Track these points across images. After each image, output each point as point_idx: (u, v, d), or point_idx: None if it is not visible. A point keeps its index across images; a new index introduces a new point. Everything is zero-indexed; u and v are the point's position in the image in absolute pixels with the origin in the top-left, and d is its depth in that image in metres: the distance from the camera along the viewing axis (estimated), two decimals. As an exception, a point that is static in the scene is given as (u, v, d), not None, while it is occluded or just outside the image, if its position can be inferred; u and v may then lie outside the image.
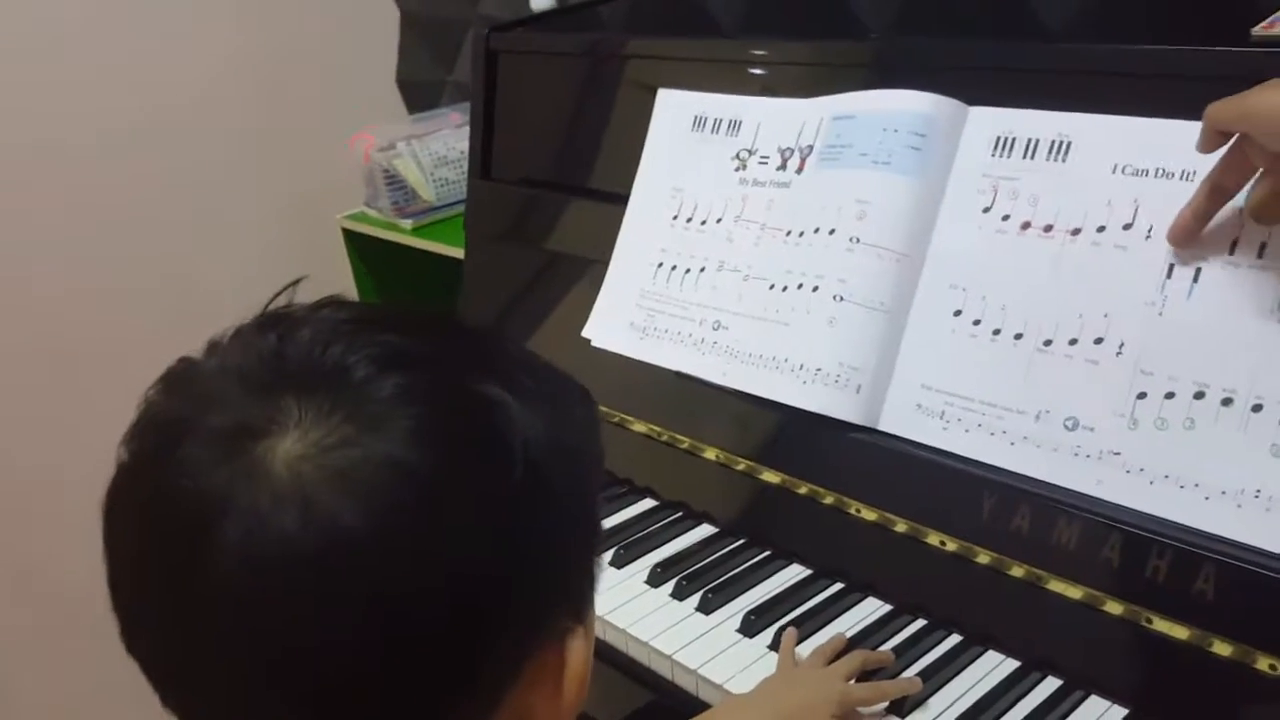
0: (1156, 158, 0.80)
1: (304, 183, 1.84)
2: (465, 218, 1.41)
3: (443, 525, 0.40)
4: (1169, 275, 0.78)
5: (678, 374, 1.07)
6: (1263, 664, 0.73)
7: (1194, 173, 0.77)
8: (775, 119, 1.03)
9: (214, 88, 1.75)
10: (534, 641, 0.44)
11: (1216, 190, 0.73)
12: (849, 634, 0.89)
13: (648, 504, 1.11)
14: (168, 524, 0.40)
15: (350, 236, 1.73)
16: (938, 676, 0.84)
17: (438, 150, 1.66)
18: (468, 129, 1.42)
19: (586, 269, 1.21)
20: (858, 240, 0.93)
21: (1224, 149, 0.71)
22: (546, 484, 0.43)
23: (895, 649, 0.87)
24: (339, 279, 1.76)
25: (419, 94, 1.94)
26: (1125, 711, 0.79)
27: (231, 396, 0.41)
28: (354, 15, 1.87)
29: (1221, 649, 0.75)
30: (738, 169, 1.05)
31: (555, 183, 1.29)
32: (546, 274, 1.28)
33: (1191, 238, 0.76)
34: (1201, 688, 0.76)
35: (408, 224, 1.65)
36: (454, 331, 0.49)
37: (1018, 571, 0.85)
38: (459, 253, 1.44)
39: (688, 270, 1.07)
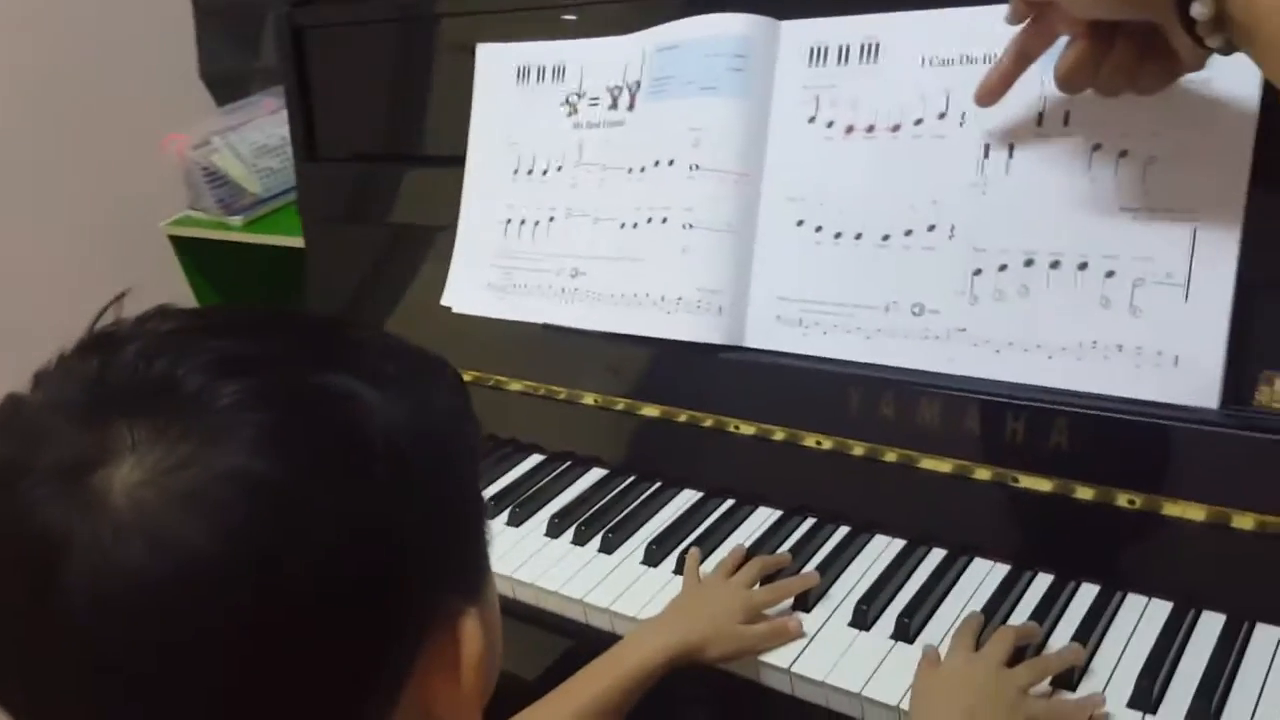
0: (960, 46, 0.84)
1: (119, 194, 1.74)
2: (298, 204, 1.37)
3: (303, 533, 0.38)
4: (986, 155, 0.83)
5: (544, 327, 1.07)
6: (1122, 500, 0.79)
7: (995, 55, 0.81)
8: (599, 59, 1.04)
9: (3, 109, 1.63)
10: (423, 632, 0.43)
11: (1021, 55, 0.76)
12: (746, 544, 0.93)
13: (535, 459, 1.12)
14: (8, 572, 0.38)
15: (178, 243, 1.66)
16: (834, 567, 0.89)
17: (256, 140, 1.60)
18: (284, 114, 1.37)
19: (433, 237, 1.20)
20: (697, 167, 0.95)
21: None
22: (415, 472, 0.42)
23: (791, 550, 0.91)
24: (173, 289, 1.68)
25: (226, 85, 1.85)
26: (1007, 567, 0.85)
27: (60, 431, 0.39)
28: (144, 13, 1.77)
29: (1084, 493, 0.81)
30: (570, 114, 1.06)
31: (387, 154, 1.26)
32: (393, 249, 1.26)
33: (997, 98, 0.79)
34: (1071, 532, 0.83)
35: (237, 220, 1.59)
36: (296, 327, 0.46)
37: (891, 456, 0.90)
38: (298, 242, 1.40)
39: (537, 222, 1.08)
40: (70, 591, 0.37)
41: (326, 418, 0.40)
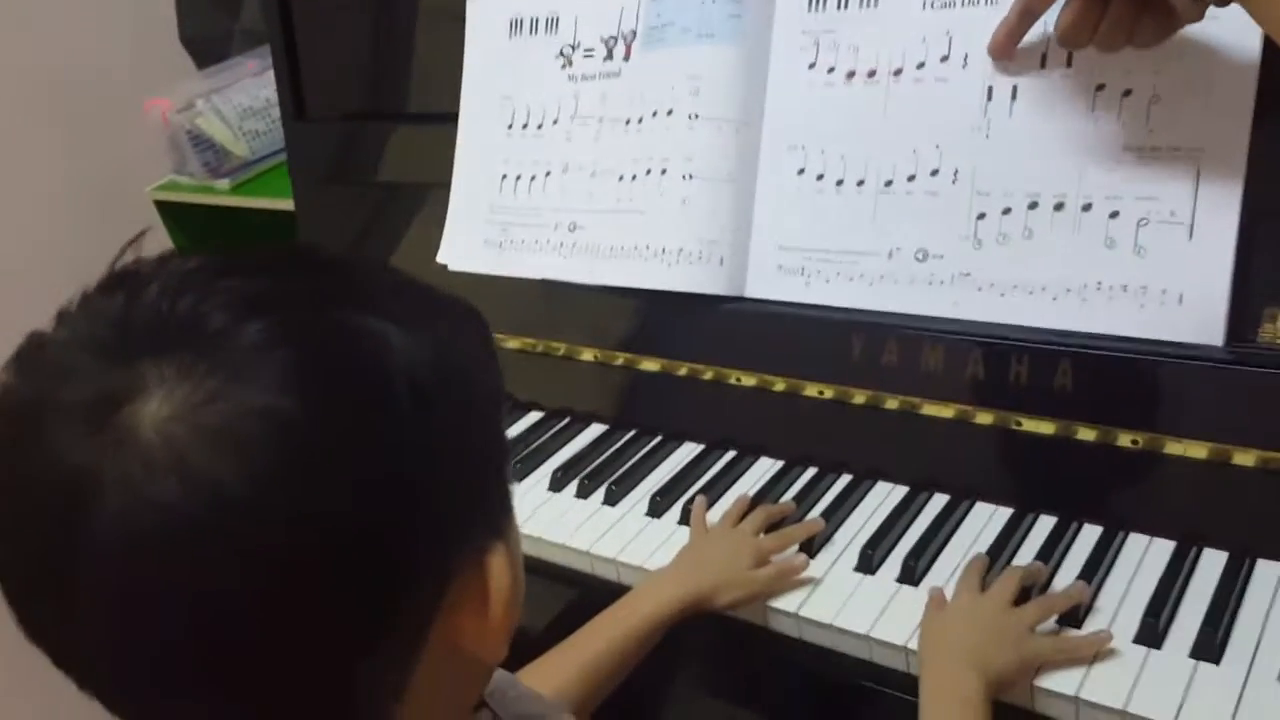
0: (961, -12, 0.84)
1: (104, 161, 1.72)
2: (288, 165, 1.36)
3: (331, 470, 0.38)
4: (989, 98, 0.83)
5: (542, 282, 1.07)
6: (1125, 440, 0.80)
7: (998, -2, 0.82)
8: (592, 9, 1.03)
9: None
10: (452, 567, 0.43)
11: (1027, 13, 0.77)
12: (749, 494, 0.93)
13: (534, 416, 1.12)
14: (40, 511, 0.38)
15: (165, 208, 1.64)
16: (838, 514, 0.89)
17: (241, 102, 1.57)
18: (269, 75, 1.35)
19: (427, 195, 1.19)
20: (696, 116, 0.95)
21: None
22: (438, 411, 0.41)
23: (794, 499, 0.92)
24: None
25: (207, 48, 1.82)
26: (1010, 511, 0.86)
27: (85, 367, 0.38)
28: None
29: (1086, 434, 0.82)
30: (564, 66, 1.05)
31: (377, 112, 1.25)
32: (386, 207, 1.25)
33: (1007, 54, 0.80)
34: (1073, 474, 0.83)
35: (224, 184, 1.57)
36: (319, 264, 0.46)
37: (893, 404, 0.90)
38: (288, 204, 1.38)
39: (533, 177, 1.07)
40: (102, 528, 0.37)
41: (350, 355, 0.40)
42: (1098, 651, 0.71)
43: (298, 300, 0.41)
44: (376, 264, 0.48)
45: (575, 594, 0.94)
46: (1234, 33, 0.73)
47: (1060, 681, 0.70)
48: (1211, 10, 0.72)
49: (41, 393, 0.38)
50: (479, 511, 0.45)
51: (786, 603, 0.82)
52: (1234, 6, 0.65)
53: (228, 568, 0.37)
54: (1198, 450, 0.77)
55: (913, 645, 0.76)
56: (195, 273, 0.41)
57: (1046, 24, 0.80)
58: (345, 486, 0.38)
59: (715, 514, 0.91)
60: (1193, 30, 0.74)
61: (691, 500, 0.93)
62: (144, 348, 0.38)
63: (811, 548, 0.86)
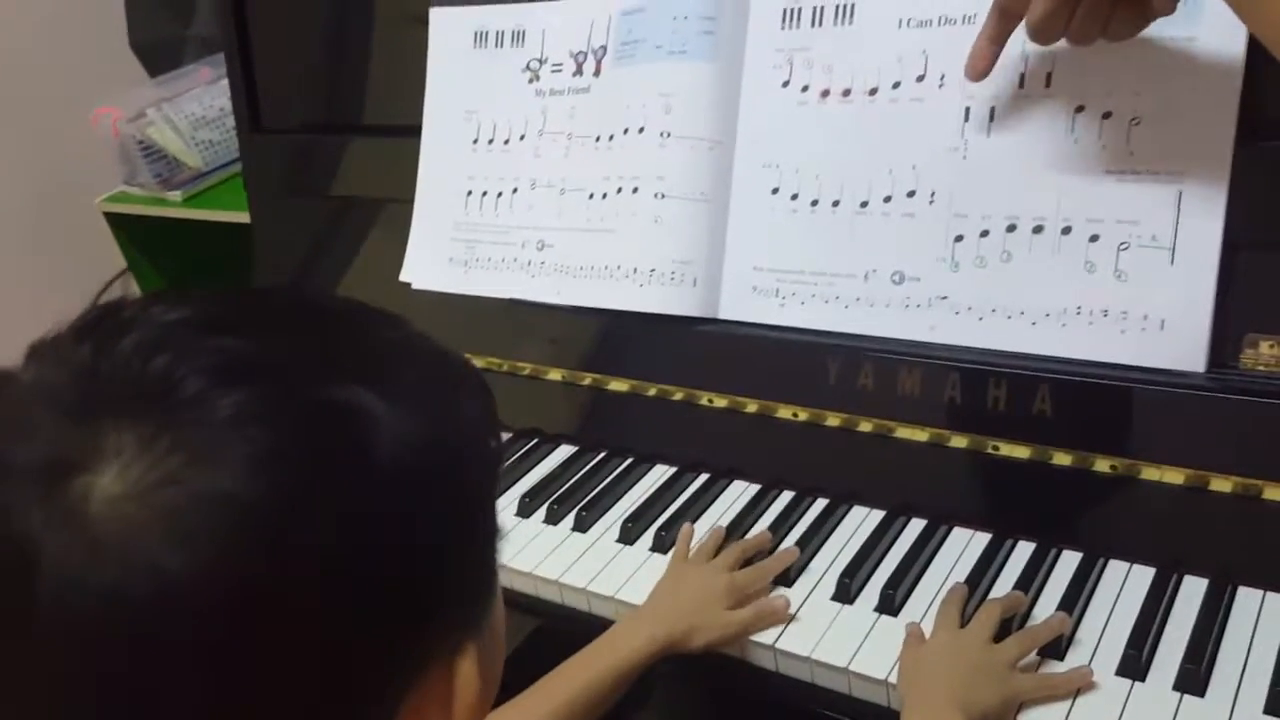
0: (939, 6, 0.82)
1: (51, 171, 1.67)
2: (244, 178, 1.32)
3: (292, 566, 0.35)
4: (966, 119, 0.81)
5: (508, 302, 1.04)
6: (1103, 465, 0.79)
7: (974, 16, 0.80)
8: (561, 23, 1.00)
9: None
10: (417, 669, 0.40)
11: (1005, 14, 0.74)
12: (724, 519, 0.91)
13: (502, 437, 1.09)
14: None
15: (115, 220, 1.59)
16: (814, 540, 0.87)
17: (193, 111, 1.53)
18: (223, 84, 1.31)
19: (388, 210, 1.16)
20: (668, 134, 0.93)
21: None
22: (423, 496, 0.39)
23: (769, 524, 0.90)
24: (111, 268, 1.62)
25: (158, 55, 1.77)
26: (988, 536, 0.85)
27: (44, 423, 0.35)
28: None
29: (1063, 459, 0.81)
30: (531, 80, 1.02)
31: (336, 124, 1.21)
32: (346, 222, 1.21)
33: (989, 63, 0.77)
34: (1051, 499, 0.82)
35: (176, 196, 1.53)
36: (317, 323, 0.42)
37: (866, 426, 0.89)
38: (242, 217, 1.34)
39: (499, 194, 1.04)
40: (40, 606, 0.34)
41: (330, 436, 0.37)
42: (1081, 686, 0.70)
43: (282, 370, 0.38)
44: (380, 319, 0.44)
45: (543, 624, 0.92)
46: (1216, 54, 0.73)
47: (1044, 718, 0.69)
48: (1190, 31, 0.72)
49: None
50: (456, 607, 0.42)
51: (763, 635, 0.80)
52: (1213, 10, 0.64)
53: (173, 657, 0.35)
54: (1175, 476, 0.76)
55: (893, 679, 0.74)
56: (177, 326, 0.38)
57: (1025, 43, 0.79)
58: (311, 572, 0.36)
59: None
60: (1174, 52, 0.74)
61: (664, 527, 0.91)
62: (107, 409, 0.35)
63: (788, 576, 0.84)
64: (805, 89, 0.89)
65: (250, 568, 0.35)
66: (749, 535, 0.89)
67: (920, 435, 0.86)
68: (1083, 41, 0.71)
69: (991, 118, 0.80)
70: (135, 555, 0.34)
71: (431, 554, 0.39)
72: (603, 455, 1.03)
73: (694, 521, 0.92)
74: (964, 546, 0.85)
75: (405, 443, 0.38)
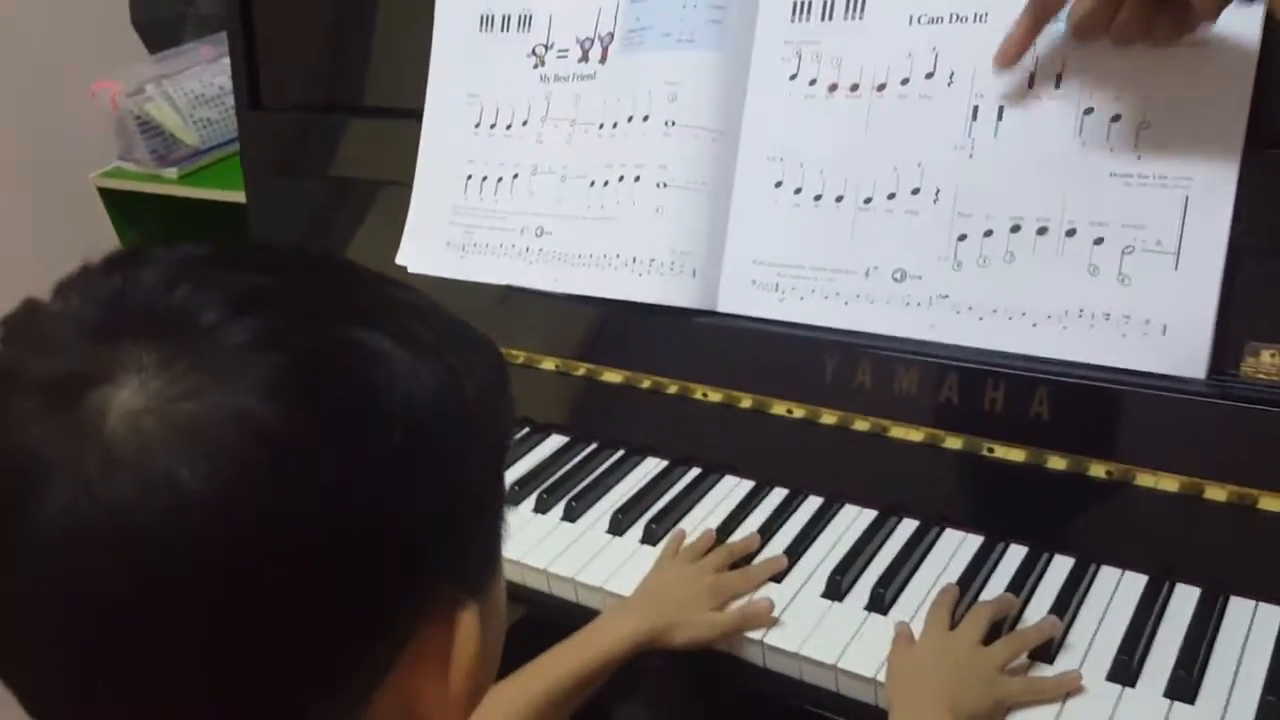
0: (950, 3, 0.82)
1: (47, 144, 1.65)
2: (241, 155, 1.31)
3: (299, 490, 0.35)
4: (974, 118, 0.81)
5: (504, 288, 1.03)
6: (1098, 470, 0.78)
7: (986, 15, 0.80)
8: (568, 8, 0.99)
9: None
10: (416, 617, 0.40)
11: (1044, 6, 0.73)
12: (715, 514, 0.91)
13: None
14: None
15: (109, 196, 1.58)
16: (806, 538, 0.87)
17: (193, 88, 1.52)
18: (223, 62, 1.31)
19: (387, 193, 1.15)
20: (673, 123, 0.92)
21: None
22: (431, 446, 0.39)
23: (763, 522, 0.89)
24: (104, 244, 1.60)
25: (159, 31, 1.76)
26: (981, 538, 0.84)
27: (66, 342, 0.36)
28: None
29: (1056, 463, 0.80)
30: (536, 66, 1.01)
31: (336, 104, 1.20)
32: (342, 204, 1.20)
33: (1021, 51, 0.76)
34: (1045, 503, 0.82)
35: (172, 173, 1.52)
36: (335, 273, 0.43)
37: (862, 425, 0.88)
38: (238, 196, 1.33)
39: (500, 179, 1.03)
40: (44, 521, 0.34)
41: (345, 371, 0.37)
42: (1069, 690, 0.70)
43: (301, 304, 0.38)
44: (407, 285, 0.44)
45: (530, 612, 0.91)
46: (1226, 61, 0.72)
47: (1034, 720, 0.69)
48: (1200, 37, 0.71)
49: (18, 361, 0.36)
50: (458, 563, 0.41)
51: (753, 630, 0.79)
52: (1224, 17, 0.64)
53: (178, 579, 0.34)
54: (1169, 483, 0.76)
55: (881, 677, 0.73)
56: (201, 261, 0.39)
57: (1036, 43, 0.78)
58: (314, 506, 0.36)
59: (680, 529, 0.89)
60: (1184, 57, 0.73)
61: (654, 519, 0.90)
62: (129, 332, 0.36)
63: (780, 575, 0.84)
64: (813, 82, 0.88)
65: (261, 489, 0.35)
66: (739, 534, 0.88)
67: (915, 435, 0.86)
68: (1123, 42, 0.70)
69: (1000, 117, 0.80)
70: (150, 468, 0.34)
71: (436, 507, 0.39)
72: (594, 446, 1.02)
73: (685, 515, 0.92)
74: (956, 548, 0.84)
75: (418, 393, 0.38)
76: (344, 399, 0.37)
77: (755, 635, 0.79)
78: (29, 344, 0.37)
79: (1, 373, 0.36)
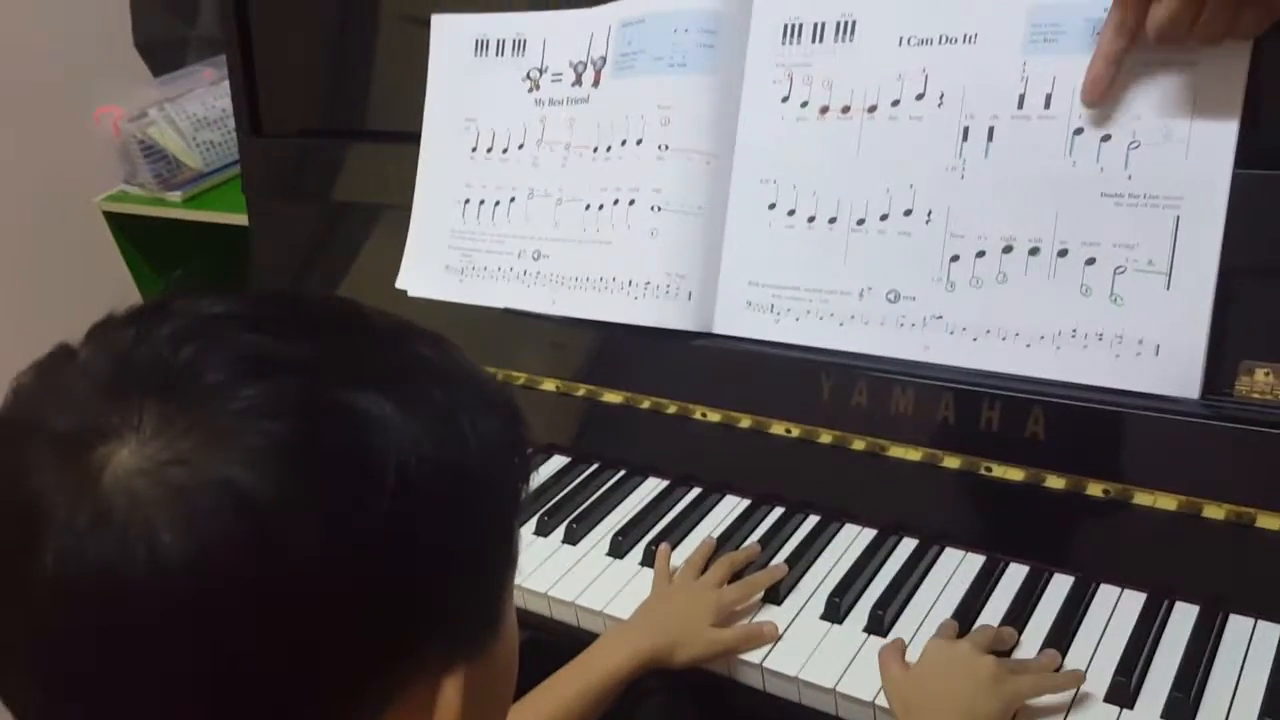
0: (939, 25, 0.82)
1: (51, 169, 1.66)
2: (242, 180, 1.31)
3: (281, 560, 0.35)
4: (965, 138, 0.81)
5: (503, 311, 1.04)
6: (1095, 490, 0.78)
7: (975, 36, 0.80)
8: (561, 33, 1.00)
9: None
10: (399, 683, 0.40)
11: (1123, 30, 0.72)
12: (715, 534, 0.90)
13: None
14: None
15: (114, 219, 1.59)
16: (804, 558, 0.87)
17: (195, 112, 1.53)
18: (225, 85, 1.31)
19: (386, 216, 1.16)
20: (666, 147, 0.92)
21: None
22: (426, 512, 0.39)
23: (760, 540, 0.89)
24: (109, 267, 1.61)
25: (161, 55, 1.77)
26: (980, 558, 0.84)
27: (80, 395, 0.37)
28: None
29: (1055, 483, 0.80)
30: (530, 90, 1.02)
31: (336, 129, 1.21)
32: (343, 228, 1.21)
33: (1108, 83, 0.74)
34: (1044, 522, 0.82)
35: (176, 196, 1.53)
36: (352, 331, 0.42)
37: (859, 445, 0.88)
38: (241, 219, 1.34)
39: (497, 203, 1.04)
40: (41, 568, 0.35)
41: (339, 441, 0.37)
42: (1071, 707, 0.70)
43: (303, 369, 0.38)
44: (423, 336, 0.44)
45: (532, 636, 0.91)
46: (1216, 80, 0.72)
47: (1033, 743, 0.69)
48: (1190, 55, 0.71)
49: (37, 409, 0.38)
50: (448, 629, 0.41)
51: (751, 654, 0.79)
52: None
53: (155, 639, 0.35)
54: (1168, 502, 0.76)
55: (881, 701, 0.73)
56: (214, 319, 0.39)
57: (1024, 64, 0.79)
58: (292, 577, 0.36)
59: (678, 555, 0.89)
60: (1174, 77, 0.73)
61: (655, 541, 0.90)
62: (136, 388, 0.37)
63: (778, 594, 0.84)
64: (805, 104, 0.88)
65: (241, 558, 0.35)
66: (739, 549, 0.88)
67: (913, 455, 0.86)
68: (1210, 40, 0.69)
69: (990, 138, 0.80)
70: (136, 530, 0.35)
71: (428, 574, 0.39)
72: (595, 467, 1.03)
73: (684, 536, 0.92)
74: (955, 568, 0.84)
75: (415, 457, 0.38)
76: (335, 471, 0.37)
77: (754, 659, 0.79)
78: (51, 393, 0.38)
79: (25, 421, 0.37)
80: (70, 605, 0.35)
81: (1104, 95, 0.75)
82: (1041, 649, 0.74)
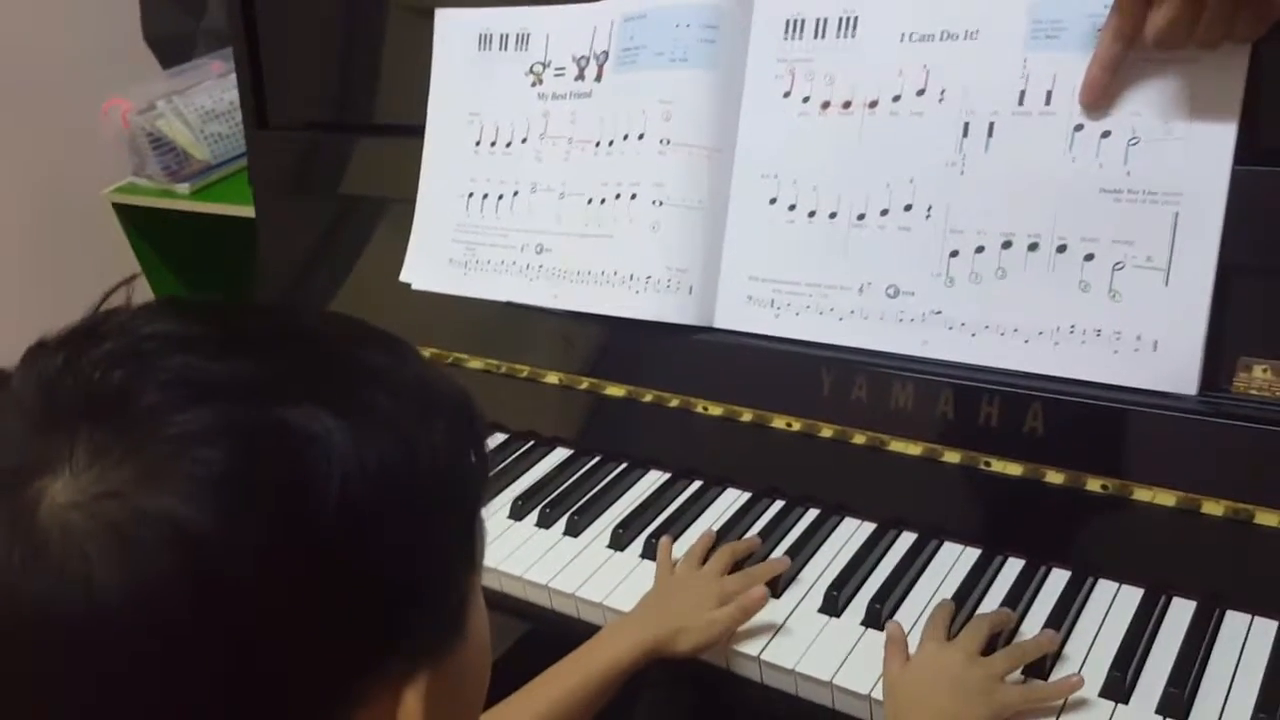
0: (941, 21, 0.82)
1: (60, 161, 1.67)
2: (249, 175, 1.32)
3: (217, 594, 0.35)
4: (965, 134, 0.81)
5: (507, 304, 1.04)
6: (1094, 485, 0.78)
7: (976, 32, 0.80)
8: (564, 28, 1.00)
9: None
10: (357, 695, 0.39)
11: (1120, 37, 0.73)
12: (715, 527, 0.91)
13: (498, 439, 1.09)
14: None
15: (122, 211, 1.60)
16: (804, 551, 0.87)
17: (203, 104, 1.54)
18: (232, 77, 1.32)
19: (391, 210, 1.16)
20: (668, 141, 0.93)
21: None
22: (373, 527, 0.37)
23: (760, 533, 0.90)
24: (117, 259, 1.62)
25: (170, 48, 1.78)
26: (978, 552, 0.85)
27: (12, 430, 0.36)
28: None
29: (1054, 478, 0.80)
30: (534, 84, 1.02)
31: (342, 123, 1.22)
32: (348, 221, 1.22)
33: (1105, 90, 0.75)
34: (1042, 517, 0.82)
35: (184, 188, 1.53)
36: (296, 345, 0.41)
37: (860, 439, 0.89)
38: (249, 211, 1.35)
39: (500, 196, 1.04)
40: None
41: (276, 461, 0.36)
42: (1066, 702, 0.70)
43: (240, 390, 0.37)
44: (377, 345, 0.42)
45: (533, 628, 0.92)
46: (1215, 77, 0.72)
47: (1027, 738, 0.69)
48: (1190, 53, 0.71)
49: None
50: (409, 635, 0.40)
51: (749, 646, 0.80)
52: None
53: (93, 672, 0.35)
54: (1167, 498, 0.76)
55: (877, 694, 0.74)
56: (146, 341, 0.38)
57: (1025, 60, 0.79)
58: (237, 605, 0.35)
59: (679, 547, 0.89)
60: (1174, 74, 0.73)
61: (655, 534, 0.91)
62: (65, 418, 0.36)
63: (777, 587, 0.84)
64: (806, 100, 0.89)
65: (179, 590, 0.34)
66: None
67: (913, 449, 0.86)
68: (1209, 45, 0.70)
69: (990, 134, 0.80)
70: (71, 565, 0.34)
71: (380, 589, 0.39)
72: (597, 459, 1.03)
73: (685, 529, 0.93)
74: (953, 561, 0.85)
75: (359, 472, 0.37)
76: (274, 496, 0.36)
77: (753, 651, 0.79)
78: None
79: None
80: (6, 644, 0.35)
81: (1100, 100, 0.75)
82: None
